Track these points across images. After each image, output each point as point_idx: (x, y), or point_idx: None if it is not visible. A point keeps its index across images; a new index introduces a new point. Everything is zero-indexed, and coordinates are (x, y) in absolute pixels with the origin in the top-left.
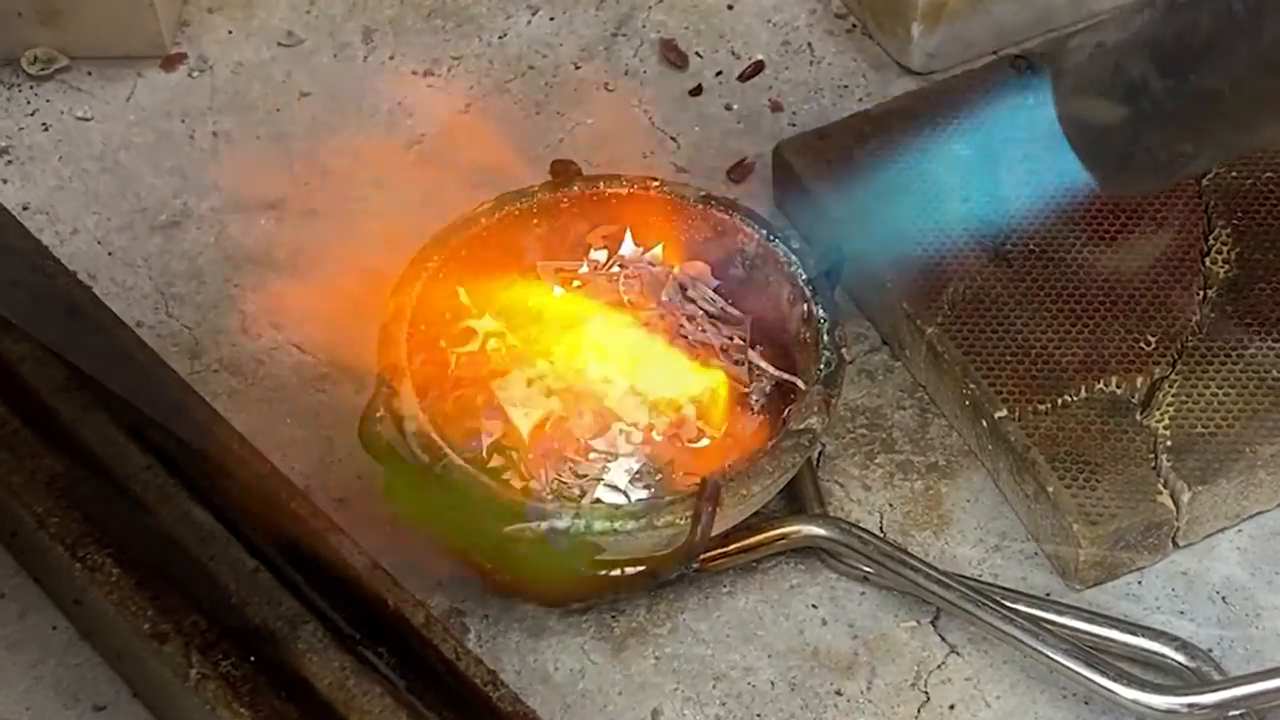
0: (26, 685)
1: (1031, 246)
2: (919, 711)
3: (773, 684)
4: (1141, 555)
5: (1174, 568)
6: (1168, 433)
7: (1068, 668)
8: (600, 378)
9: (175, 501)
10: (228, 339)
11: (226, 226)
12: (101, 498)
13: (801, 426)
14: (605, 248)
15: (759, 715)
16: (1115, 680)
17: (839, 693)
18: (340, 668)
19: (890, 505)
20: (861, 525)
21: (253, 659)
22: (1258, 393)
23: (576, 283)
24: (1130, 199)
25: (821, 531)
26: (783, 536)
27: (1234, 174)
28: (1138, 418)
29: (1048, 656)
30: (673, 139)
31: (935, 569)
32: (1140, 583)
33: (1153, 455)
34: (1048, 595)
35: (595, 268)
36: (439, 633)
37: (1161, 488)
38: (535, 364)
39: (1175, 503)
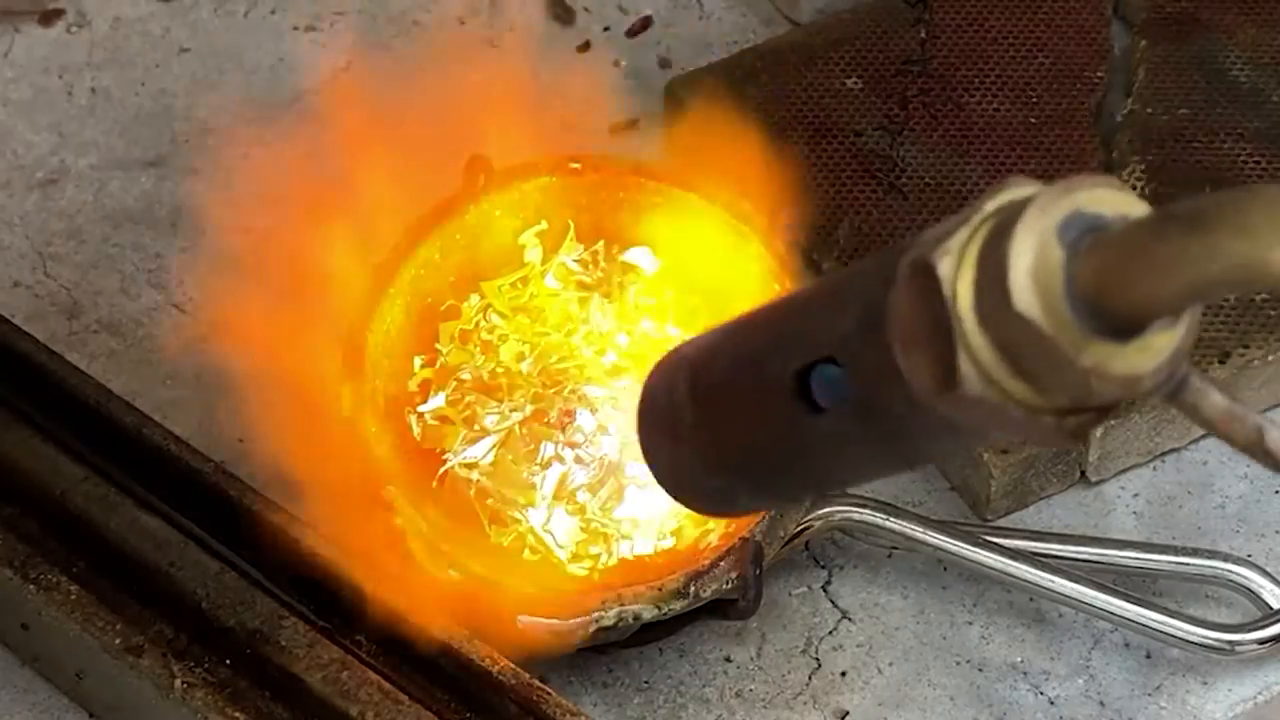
0: None
1: (926, 179)
2: (810, 678)
3: (661, 651)
4: (1051, 483)
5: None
6: None
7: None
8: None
9: (121, 510)
10: (107, 299)
11: (106, 184)
12: (42, 515)
13: None
14: (540, 246)
15: (647, 683)
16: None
17: (728, 659)
18: (330, 661)
19: None
20: (891, 503)
21: (229, 662)
22: None
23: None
24: (1029, 133)
25: (865, 516)
26: (820, 521)
27: (1149, 110)
28: None
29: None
30: (560, 96)
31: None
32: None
33: None
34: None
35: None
36: (425, 614)
37: None
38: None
39: None
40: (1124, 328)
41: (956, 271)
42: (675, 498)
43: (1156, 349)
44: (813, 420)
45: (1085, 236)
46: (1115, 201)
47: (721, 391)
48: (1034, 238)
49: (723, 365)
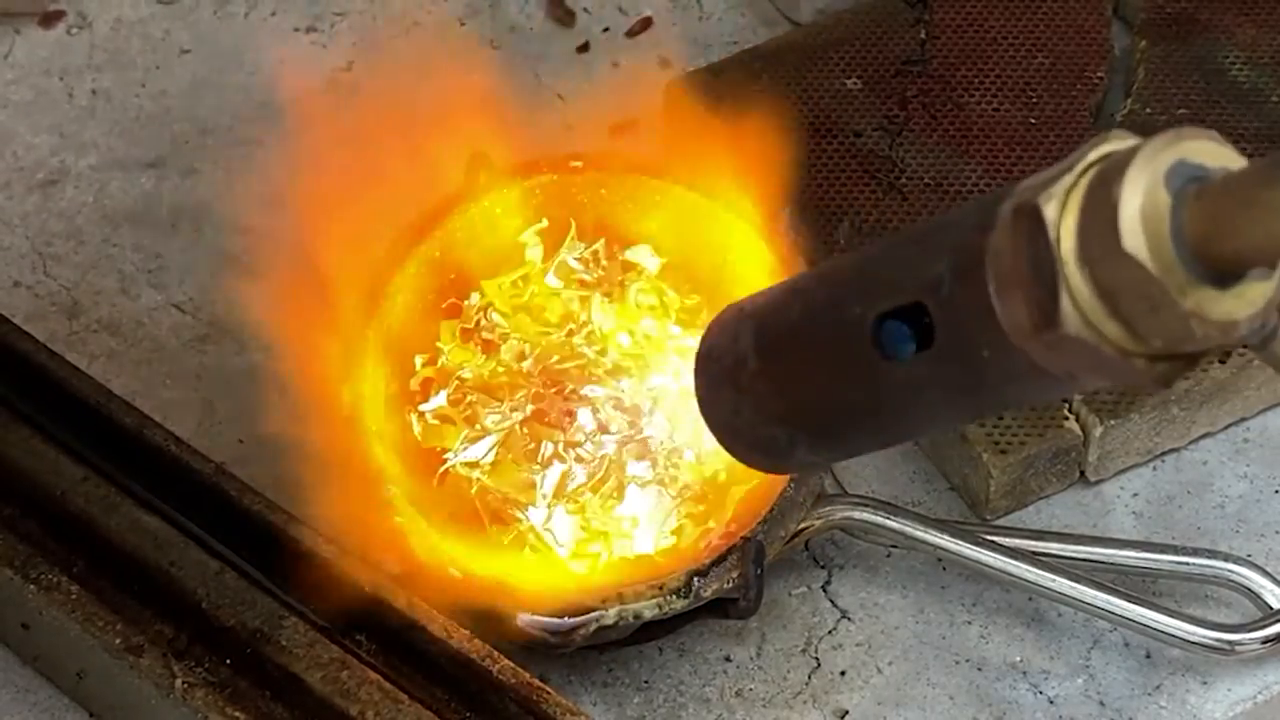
0: None
1: (925, 179)
2: (809, 677)
3: (661, 650)
4: (1050, 483)
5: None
6: None
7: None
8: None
9: (122, 510)
10: (107, 299)
11: (106, 185)
12: (42, 515)
13: None
14: (541, 244)
15: (647, 682)
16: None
17: (728, 659)
18: (330, 661)
19: None
20: (891, 502)
21: (229, 662)
22: None
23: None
24: (1029, 133)
25: (865, 515)
26: (820, 520)
27: (1149, 110)
28: None
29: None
30: (560, 97)
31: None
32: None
33: None
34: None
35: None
36: (425, 613)
37: (1068, 413)
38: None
39: (1084, 431)
40: (1225, 274)
41: (1061, 214)
42: (729, 449)
43: (1252, 298)
44: (892, 366)
45: (1190, 184)
46: (1218, 153)
47: (793, 339)
48: (1143, 182)
49: (795, 313)
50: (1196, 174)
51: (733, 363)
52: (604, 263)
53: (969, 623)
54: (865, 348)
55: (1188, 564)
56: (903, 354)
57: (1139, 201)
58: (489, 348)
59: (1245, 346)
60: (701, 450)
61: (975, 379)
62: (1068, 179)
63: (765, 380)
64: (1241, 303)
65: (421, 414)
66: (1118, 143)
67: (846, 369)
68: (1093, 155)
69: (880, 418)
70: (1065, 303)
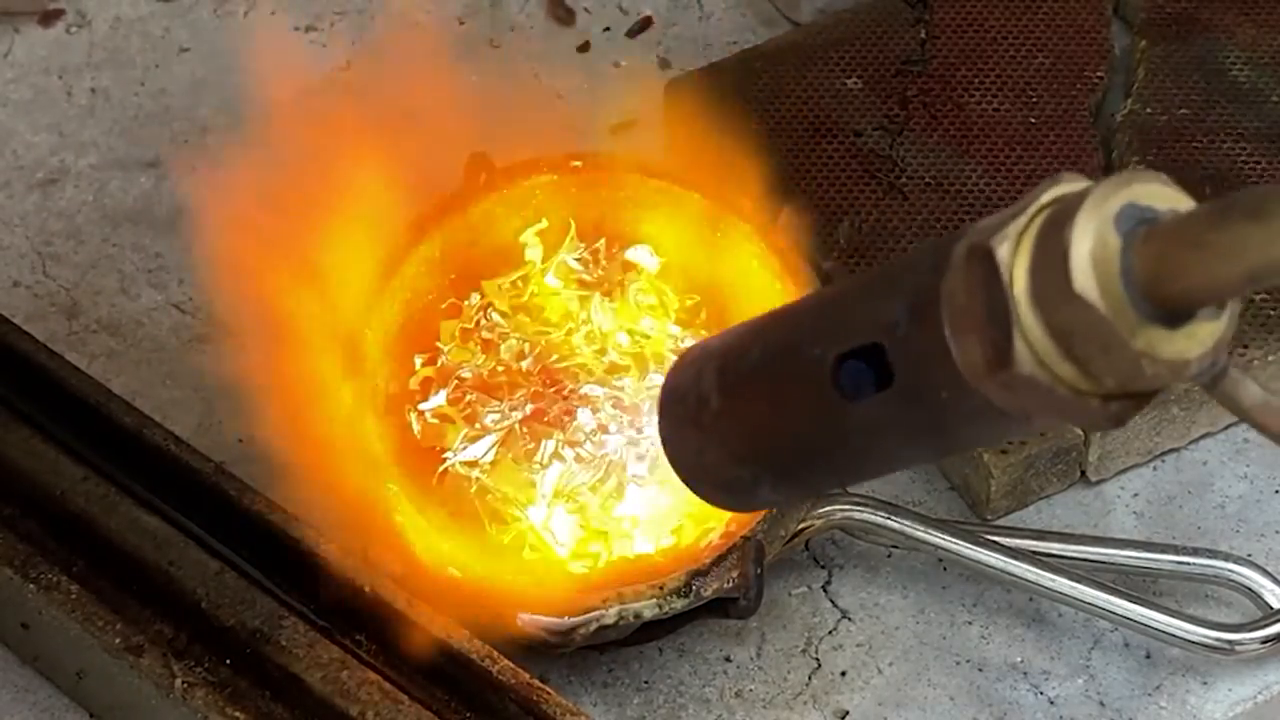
0: None
1: (926, 179)
2: (810, 678)
3: (661, 650)
4: (1051, 483)
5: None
6: None
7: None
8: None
9: (122, 510)
10: (106, 299)
11: (105, 184)
12: (42, 515)
13: None
14: (540, 244)
15: (647, 682)
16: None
17: (728, 659)
18: (330, 661)
19: None
20: (891, 502)
21: (229, 662)
22: None
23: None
24: (1029, 133)
25: (865, 515)
26: (820, 520)
27: (1149, 110)
28: None
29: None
30: (560, 97)
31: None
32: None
33: None
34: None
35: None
36: (425, 613)
37: None
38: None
39: (1085, 432)
40: (1174, 314)
41: (1014, 256)
42: (694, 489)
43: (1202, 337)
44: (851, 407)
45: (1139, 227)
46: (1167, 196)
47: (754, 379)
48: (1094, 224)
49: (756, 354)
50: (1146, 216)
51: (695, 403)
52: (603, 263)
53: (970, 623)
54: (825, 388)
55: (1188, 564)
56: (863, 394)
57: (1089, 244)
58: (489, 347)
59: (1197, 385)
60: None
61: (934, 419)
62: (1020, 221)
63: (728, 420)
64: (1192, 342)
65: (421, 413)
66: (1069, 185)
67: (808, 409)
68: (1045, 198)
69: (841, 457)
70: (1019, 343)
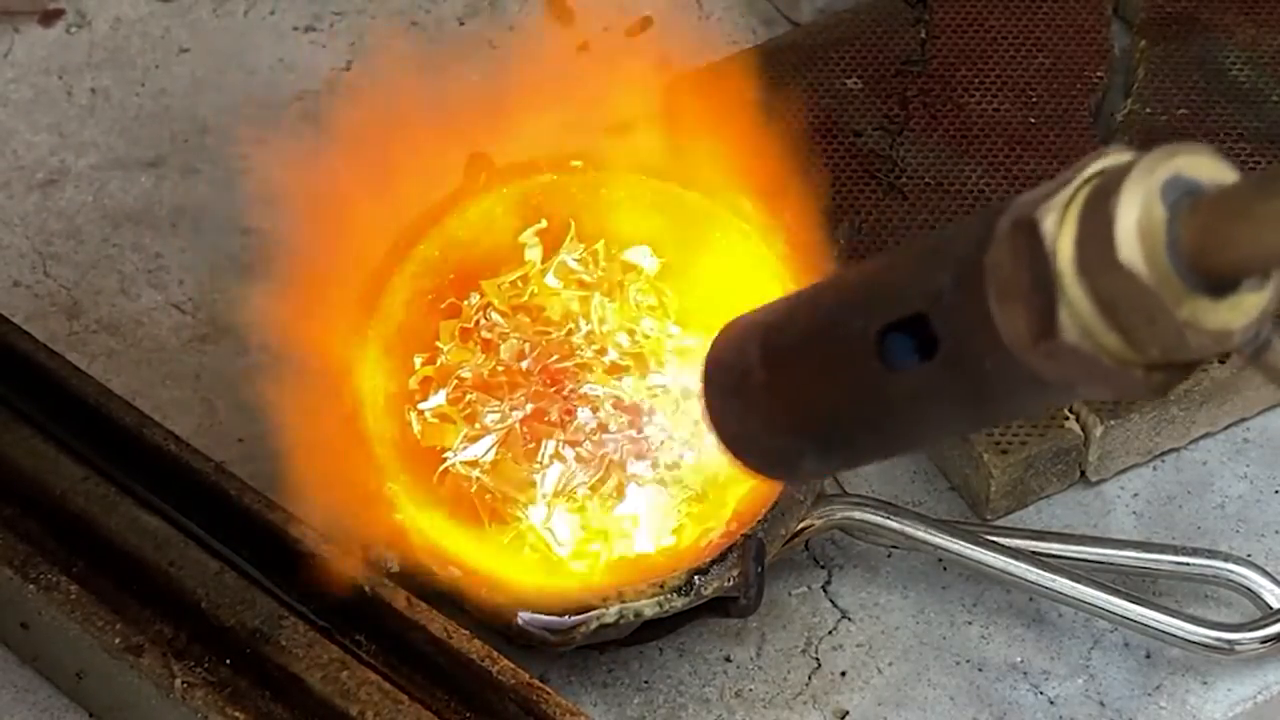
0: None
1: (926, 179)
2: (810, 678)
3: (661, 650)
4: (1050, 483)
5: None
6: None
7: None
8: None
9: (122, 510)
10: (106, 299)
11: (105, 184)
12: (42, 515)
13: None
14: (540, 244)
15: (647, 682)
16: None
17: (728, 659)
18: (330, 661)
19: None
20: (891, 502)
21: (229, 662)
22: None
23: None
24: (1029, 133)
25: (865, 515)
26: (820, 520)
27: (1149, 110)
28: None
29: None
30: (560, 96)
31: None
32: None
33: None
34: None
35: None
36: (425, 613)
37: (1069, 413)
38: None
39: (1085, 432)
40: (1219, 285)
41: (1059, 227)
42: (737, 459)
43: (1246, 308)
44: (895, 377)
45: (1185, 198)
46: (1213, 168)
47: (798, 351)
48: (1140, 195)
49: (800, 325)
50: (1191, 188)
51: (740, 375)
52: (603, 263)
53: (969, 623)
54: (869, 359)
55: (1188, 564)
56: (906, 365)
57: (1135, 214)
58: (488, 347)
59: (1239, 355)
60: (701, 449)
61: (977, 389)
62: (1065, 193)
63: (772, 392)
64: (1236, 313)
65: (421, 413)
66: (1115, 158)
67: (851, 380)
68: (1090, 170)
69: (885, 428)
70: (1063, 313)
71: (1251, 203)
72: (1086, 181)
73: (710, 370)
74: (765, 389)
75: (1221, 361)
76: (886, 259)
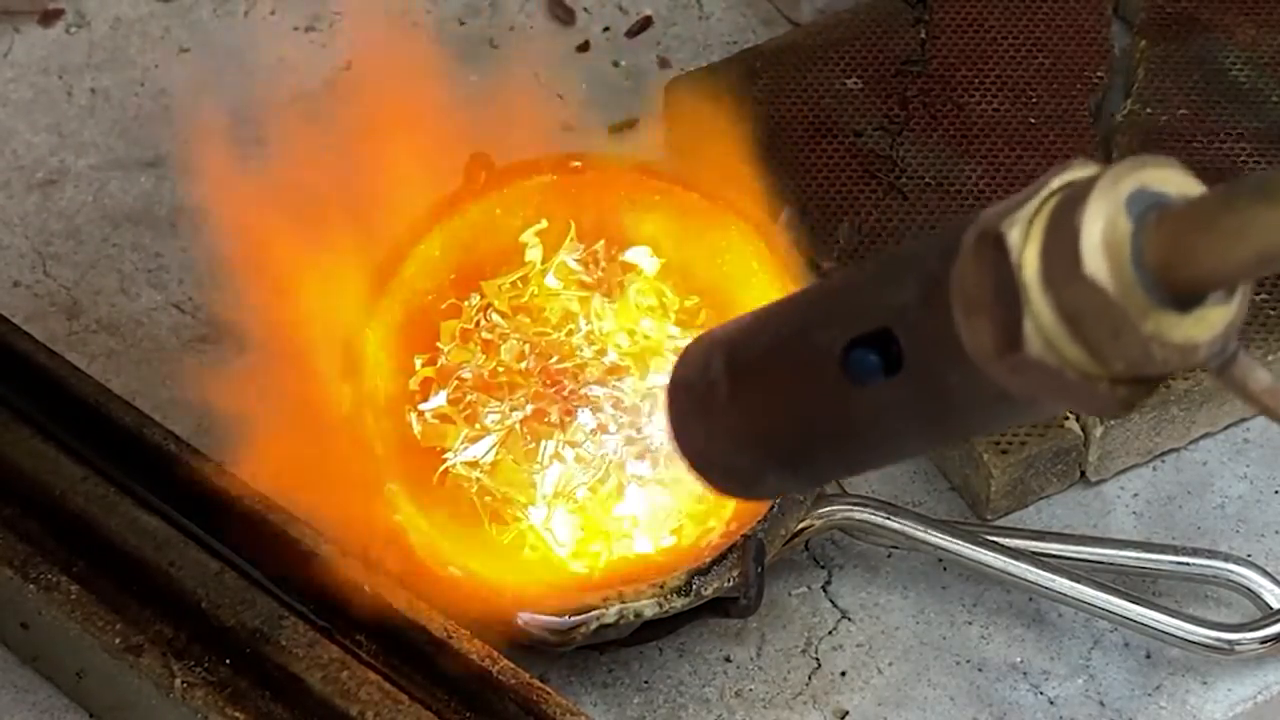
0: None
1: (926, 179)
2: (810, 678)
3: (661, 650)
4: (1050, 483)
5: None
6: None
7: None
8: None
9: (121, 510)
10: (106, 299)
11: (105, 185)
12: (42, 515)
13: None
14: (540, 245)
15: (647, 682)
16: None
17: (728, 659)
18: (330, 661)
19: None
20: (891, 502)
21: (229, 662)
22: None
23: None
24: (1029, 133)
25: (865, 515)
26: (820, 520)
27: (1149, 110)
28: None
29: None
30: (559, 96)
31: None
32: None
33: None
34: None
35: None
36: (425, 613)
37: (1069, 413)
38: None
39: (1085, 432)
40: (1184, 298)
41: (1025, 240)
42: (701, 478)
43: (1212, 321)
44: (860, 393)
45: (1150, 211)
46: (1178, 181)
47: (762, 366)
48: (1105, 208)
49: (765, 340)
50: (1158, 201)
51: (703, 390)
52: (603, 263)
53: (969, 623)
54: (834, 374)
55: (1188, 564)
56: (871, 380)
57: (1100, 226)
58: (489, 348)
59: (1205, 370)
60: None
61: (942, 404)
62: (1031, 205)
63: (736, 407)
64: (1202, 326)
65: (421, 413)
66: (1080, 170)
67: (816, 395)
68: (1055, 183)
69: (849, 445)
70: (1028, 326)
71: (1217, 216)
72: (1052, 194)
73: (674, 387)
74: (729, 405)
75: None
76: (851, 274)
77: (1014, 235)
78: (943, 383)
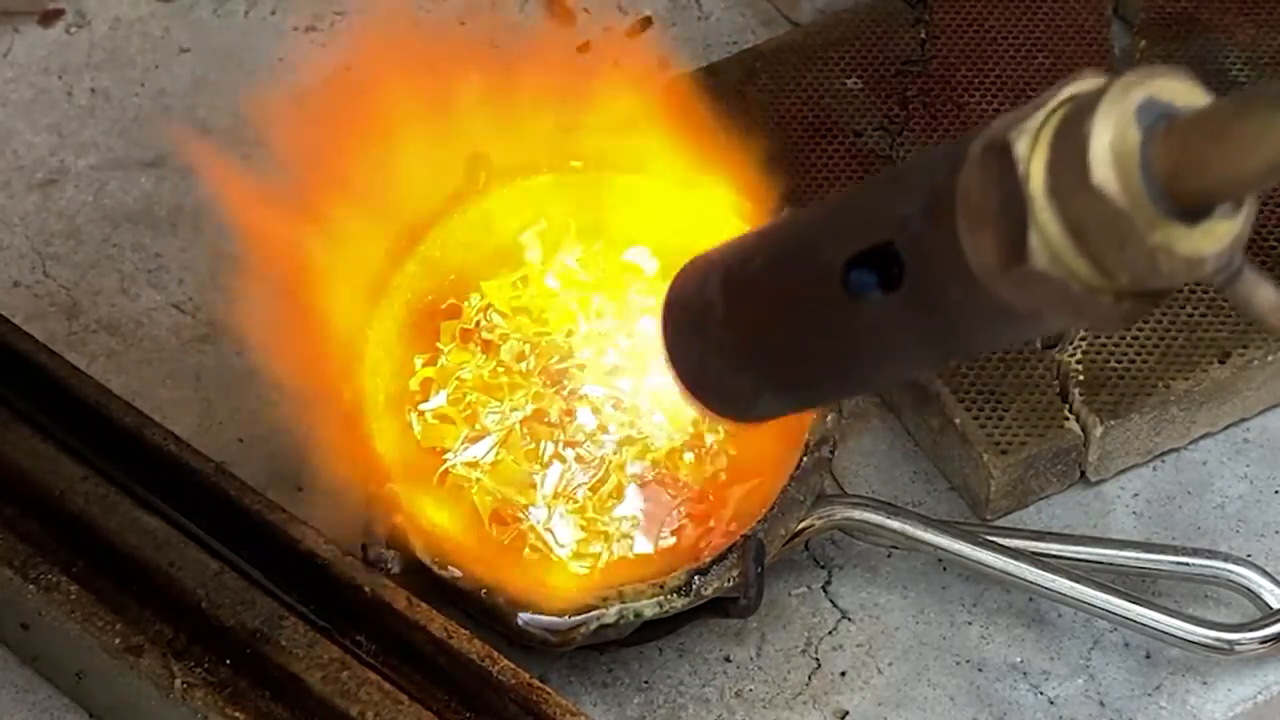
0: None
1: None
2: (810, 678)
3: (661, 650)
4: (1050, 483)
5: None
6: (1080, 368)
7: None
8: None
9: (121, 510)
10: (106, 299)
11: (105, 185)
12: (42, 514)
13: (818, 437)
14: (540, 245)
15: (647, 682)
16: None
17: (728, 659)
18: (330, 661)
19: None
20: (891, 502)
21: (229, 662)
22: (1171, 328)
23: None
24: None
25: (865, 515)
26: (820, 520)
27: None
28: (1050, 352)
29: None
30: (559, 96)
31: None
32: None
33: (1058, 381)
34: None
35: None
36: (425, 613)
37: (1069, 413)
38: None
39: (1085, 432)
40: (1192, 210)
41: (1031, 150)
42: (695, 399)
43: (1219, 234)
44: (859, 309)
45: (1159, 121)
46: (1188, 92)
47: (760, 284)
48: (1114, 118)
49: (764, 258)
50: (1166, 111)
51: (700, 310)
52: (603, 263)
53: (969, 623)
54: (834, 290)
55: (1188, 564)
56: (871, 296)
57: (1109, 137)
58: (489, 348)
59: (1210, 284)
60: (701, 449)
61: (944, 320)
62: (1038, 116)
63: (733, 326)
64: (1208, 239)
65: (421, 414)
66: (1089, 82)
67: (815, 312)
68: (1063, 94)
69: (848, 363)
70: (1033, 238)
71: (1228, 124)
72: (1060, 105)
73: (670, 306)
74: (725, 323)
75: (1221, 362)
76: (853, 190)
77: (1021, 146)
78: (944, 297)
